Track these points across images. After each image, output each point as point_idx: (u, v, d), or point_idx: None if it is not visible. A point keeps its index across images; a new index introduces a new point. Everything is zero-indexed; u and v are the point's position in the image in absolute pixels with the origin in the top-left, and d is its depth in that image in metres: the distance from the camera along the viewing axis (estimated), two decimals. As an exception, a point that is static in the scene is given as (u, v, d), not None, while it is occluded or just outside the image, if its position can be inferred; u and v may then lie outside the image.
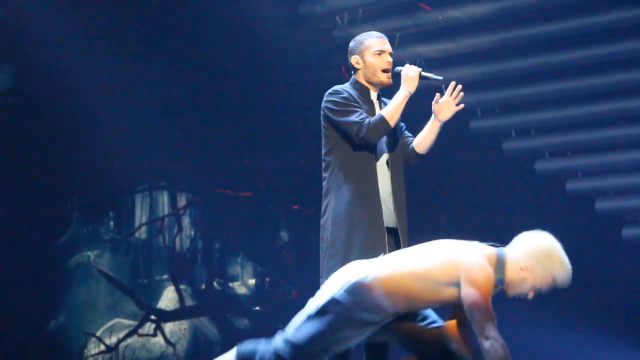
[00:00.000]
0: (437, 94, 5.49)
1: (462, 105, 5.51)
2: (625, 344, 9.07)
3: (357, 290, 4.92)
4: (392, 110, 5.43)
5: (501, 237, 9.60)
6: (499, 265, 4.97)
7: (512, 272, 4.98)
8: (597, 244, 9.81)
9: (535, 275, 4.97)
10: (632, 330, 9.32)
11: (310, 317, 4.95)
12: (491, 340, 4.87)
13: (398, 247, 5.47)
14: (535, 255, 4.99)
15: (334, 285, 4.97)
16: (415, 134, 5.66)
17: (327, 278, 5.34)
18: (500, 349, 4.85)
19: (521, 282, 4.98)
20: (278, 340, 4.91)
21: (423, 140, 5.59)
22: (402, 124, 5.67)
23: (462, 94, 5.50)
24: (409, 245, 5.42)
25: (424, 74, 5.52)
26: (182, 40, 9.43)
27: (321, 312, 4.93)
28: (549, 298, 9.07)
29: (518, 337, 9.20)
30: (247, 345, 5.04)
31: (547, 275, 4.97)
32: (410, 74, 5.47)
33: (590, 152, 9.82)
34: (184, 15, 9.41)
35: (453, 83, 5.52)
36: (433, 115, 5.54)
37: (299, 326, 4.94)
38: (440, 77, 5.55)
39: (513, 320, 9.28)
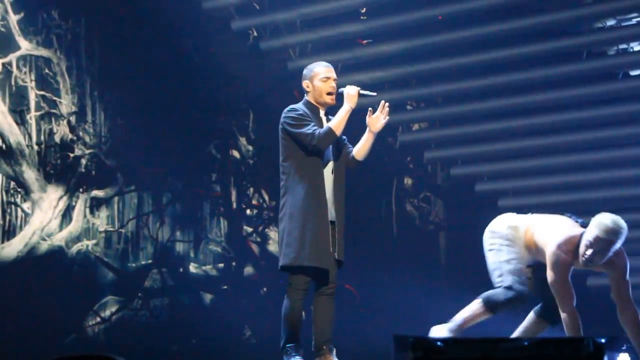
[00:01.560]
0: (370, 109, 5.72)
1: (387, 119, 5.72)
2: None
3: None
4: (337, 122, 5.62)
5: (421, 220, 9.78)
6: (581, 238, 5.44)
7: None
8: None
9: (588, 237, 5.40)
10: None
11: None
12: (566, 313, 5.33)
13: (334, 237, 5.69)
14: (592, 226, 5.45)
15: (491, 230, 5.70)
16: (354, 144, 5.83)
17: (284, 262, 5.63)
18: (572, 321, 5.31)
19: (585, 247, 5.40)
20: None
21: (361, 149, 5.78)
22: (344, 137, 5.83)
23: (387, 109, 5.71)
24: (345, 234, 5.75)
25: (362, 92, 5.70)
26: (166, 67, 9.49)
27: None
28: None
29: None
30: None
31: (593, 232, 5.38)
32: (351, 92, 5.67)
33: (494, 160, 9.98)
34: (166, 46, 9.48)
35: (382, 102, 5.72)
36: (367, 128, 5.75)
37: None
38: (375, 94, 5.76)
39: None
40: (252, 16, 9.89)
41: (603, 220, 5.38)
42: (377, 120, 5.72)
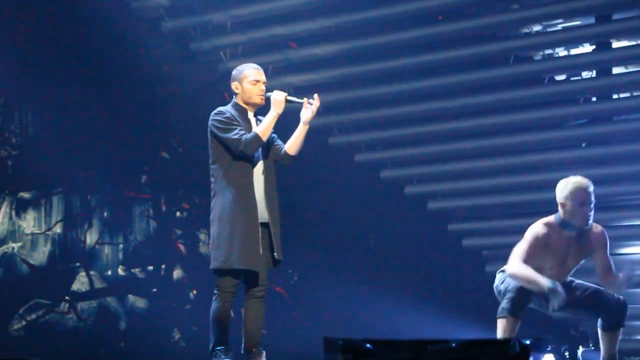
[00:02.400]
0: (305, 99, 5.74)
1: (318, 106, 5.74)
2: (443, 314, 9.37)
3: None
4: (264, 128, 5.64)
5: (351, 223, 9.90)
6: (557, 219, 5.81)
7: (564, 214, 5.77)
8: (425, 235, 10.16)
9: (565, 201, 5.76)
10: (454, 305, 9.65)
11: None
12: (511, 265, 5.68)
13: (270, 237, 5.70)
14: (558, 194, 5.80)
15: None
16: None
17: (214, 265, 5.62)
18: (517, 270, 5.62)
19: (566, 213, 5.76)
20: None
21: (293, 143, 5.78)
22: (274, 135, 5.83)
23: (317, 98, 5.73)
24: (280, 235, 5.76)
25: (289, 98, 5.72)
26: (95, 68, 9.45)
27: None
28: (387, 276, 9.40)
29: (361, 309, 9.57)
30: None
31: (566, 195, 5.75)
32: (278, 98, 5.69)
33: (423, 164, 9.99)
34: (95, 47, 9.43)
35: (315, 95, 5.75)
36: (301, 121, 5.76)
37: None
38: (302, 100, 5.76)
39: (359, 295, 9.62)
40: (183, 17, 9.86)
41: (558, 184, 5.82)
42: (308, 110, 5.74)
